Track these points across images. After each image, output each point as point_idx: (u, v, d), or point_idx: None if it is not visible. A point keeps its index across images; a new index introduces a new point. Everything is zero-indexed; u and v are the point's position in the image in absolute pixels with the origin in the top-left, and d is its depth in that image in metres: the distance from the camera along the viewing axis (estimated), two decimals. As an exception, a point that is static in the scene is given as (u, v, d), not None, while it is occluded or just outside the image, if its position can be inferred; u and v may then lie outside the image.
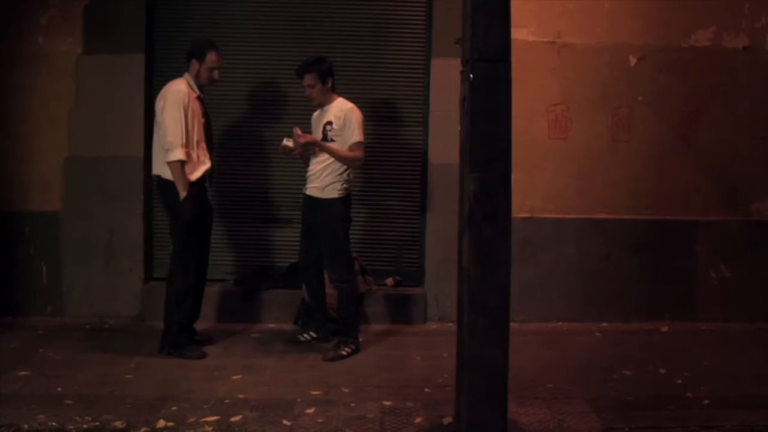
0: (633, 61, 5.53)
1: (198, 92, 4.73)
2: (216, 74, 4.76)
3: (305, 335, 5.03)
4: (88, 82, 5.44)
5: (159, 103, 4.66)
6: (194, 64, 4.71)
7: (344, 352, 4.76)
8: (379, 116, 5.56)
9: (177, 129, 4.55)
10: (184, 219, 4.64)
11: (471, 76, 3.27)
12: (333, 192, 4.76)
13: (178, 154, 4.56)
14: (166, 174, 4.65)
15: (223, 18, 5.54)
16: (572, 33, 5.49)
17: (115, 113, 5.40)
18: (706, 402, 4.06)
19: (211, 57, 4.71)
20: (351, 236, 4.95)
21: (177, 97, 4.59)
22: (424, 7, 5.56)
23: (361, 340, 4.90)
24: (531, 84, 5.37)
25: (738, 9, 5.53)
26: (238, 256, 5.69)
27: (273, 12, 5.58)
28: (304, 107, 5.22)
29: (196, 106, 4.69)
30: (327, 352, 4.78)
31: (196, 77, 4.72)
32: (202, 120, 4.75)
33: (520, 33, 5.27)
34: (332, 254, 4.83)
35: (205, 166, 4.75)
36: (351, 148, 4.74)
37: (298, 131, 4.73)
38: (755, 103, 5.59)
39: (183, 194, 4.60)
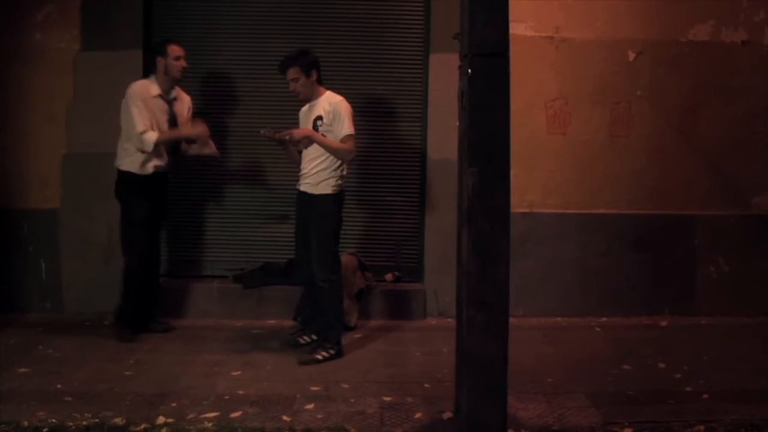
0: (632, 55, 5.52)
1: (159, 91, 4.88)
2: (183, 62, 4.91)
3: (305, 338, 4.89)
4: (85, 79, 5.42)
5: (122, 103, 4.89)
6: (160, 61, 4.89)
7: (320, 357, 4.58)
8: (377, 112, 5.55)
9: (139, 117, 4.77)
10: (124, 209, 4.92)
11: (469, 71, 3.25)
12: (326, 188, 4.65)
13: (150, 138, 4.78)
14: (122, 165, 4.89)
15: (221, 14, 5.52)
16: (571, 28, 5.48)
17: (113, 110, 5.34)
18: (705, 396, 4.06)
19: (172, 48, 4.88)
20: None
21: (133, 92, 4.82)
22: (423, 3, 5.54)
23: (358, 336, 4.86)
24: (530, 79, 5.36)
25: (736, 3, 5.52)
26: (236, 253, 5.68)
27: (270, 7, 5.57)
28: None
29: (154, 103, 4.86)
30: (301, 355, 4.65)
31: (165, 73, 4.89)
32: (164, 118, 4.91)
33: (518, 28, 5.27)
34: (318, 251, 4.69)
35: (159, 161, 4.90)
36: (342, 141, 4.61)
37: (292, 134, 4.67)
38: (754, 98, 5.59)
39: (187, 133, 4.96)
